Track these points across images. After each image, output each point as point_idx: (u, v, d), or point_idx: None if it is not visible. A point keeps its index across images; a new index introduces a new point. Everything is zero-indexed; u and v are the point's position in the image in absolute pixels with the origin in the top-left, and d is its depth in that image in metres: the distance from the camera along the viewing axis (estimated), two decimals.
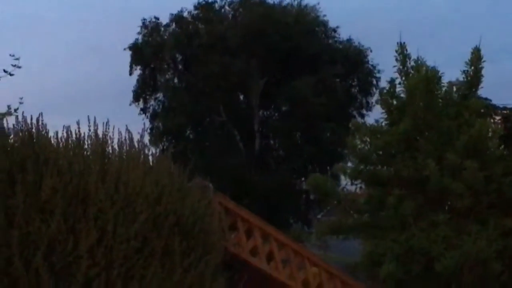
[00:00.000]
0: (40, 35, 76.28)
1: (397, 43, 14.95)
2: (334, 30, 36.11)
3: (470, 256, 12.81)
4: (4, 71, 7.63)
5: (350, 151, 15.16)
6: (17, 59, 7.70)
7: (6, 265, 7.18)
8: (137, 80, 36.29)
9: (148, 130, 34.65)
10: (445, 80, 14.79)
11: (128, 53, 35.45)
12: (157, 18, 35.74)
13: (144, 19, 35.65)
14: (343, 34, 36.25)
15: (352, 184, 15.91)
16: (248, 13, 33.49)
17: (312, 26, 34.99)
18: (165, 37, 35.18)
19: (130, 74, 35.65)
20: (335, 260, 19.57)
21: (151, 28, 35.67)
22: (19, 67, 7.71)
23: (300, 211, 35.53)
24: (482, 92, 14.95)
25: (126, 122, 9.03)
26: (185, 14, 35.38)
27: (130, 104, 36.27)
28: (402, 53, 14.89)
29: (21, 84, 7.99)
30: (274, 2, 35.33)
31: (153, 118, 36.75)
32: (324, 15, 35.89)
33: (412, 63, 14.76)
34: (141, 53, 35.27)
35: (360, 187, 15.87)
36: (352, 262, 15.20)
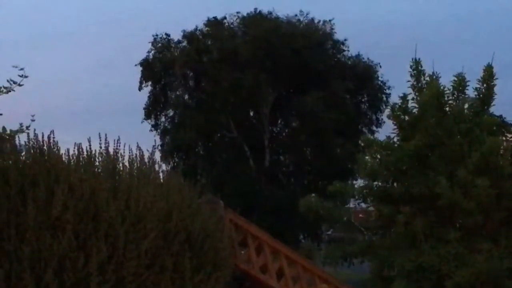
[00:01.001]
0: (52, 51, 76.96)
1: (412, 58, 14.92)
2: (343, 43, 36.14)
3: (482, 274, 12.71)
4: (14, 82, 7.65)
5: (360, 168, 15.10)
6: (22, 69, 7.70)
7: (17, 281, 7.19)
8: (148, 97, 36.46)
9: (159, 147, 34.68)
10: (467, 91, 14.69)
11: (139, 69, 35.64)
12: (168, 35, 35.93)
13: (156, 36, 35.84)
14: (351, 50, 36.32)
15: (355, 202, 15.88)
16: (257, 28, 33.58)
17: (321, 41, 35.03)
18: (176, 53, 35.30)
19: (140, 89, 35.82)
20: (345, 277, 19.47)
21: (161, 44, 35.82)
22: (26, 76, 7.72)
23: (309, 227, 35.40)
24: (495, 109, 14.88)
25: (137, 138, 9.09)
26: (196, 30, 35.51)
27: (142, 122, 36.43)
28: (417, 68, 14.85)
29: (33, 101, 8.00)
30: (281, 16, 35.45)
31: (163, 134, 36.83)
32: (333, 29, 35.98)
33: (427, 78, 14.71)
34: (151, 69, 35.42)
35: (359, 204, 15.85)
36: (362, 279, 15.14)
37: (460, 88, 14.38)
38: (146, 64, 35.52)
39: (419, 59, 14.94)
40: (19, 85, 7.72)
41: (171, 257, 8.02)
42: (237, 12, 35.71)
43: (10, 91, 7.75)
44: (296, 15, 36.02)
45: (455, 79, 14.31)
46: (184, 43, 35.67)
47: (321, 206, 15.06)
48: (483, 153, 13.43)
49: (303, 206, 15.54)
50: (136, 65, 35.48)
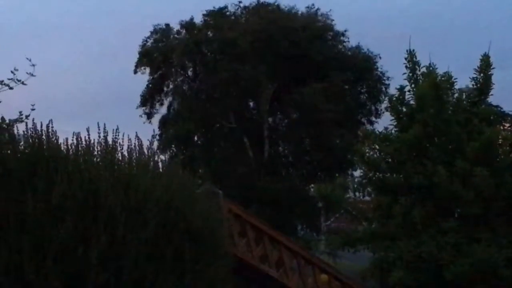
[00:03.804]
0: (53, 42, 76.89)
1: (407, 50, 14.92)
2: (343, 34, 36.01)
3: (480, 264, 12.75)
4: (18, 80, 7.62)
5: (359, 158, 15.14)
6: (33, 65, 7.65)
7: (17, 271, 7.20)
8: (147, 86, 36.36)
9: (157, 137, 34.65)
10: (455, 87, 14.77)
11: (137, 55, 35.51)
12: (167, 25, 35.80)
13: (157, 25, 35.74)
14: (351, 41, 36.20)
15: (356, 194, 15.99)
16: (258, 19, 33.49)
17: (321, 33, 34.94)
18: (175, 42, 35.19)
19: (135, 72, 35.55)
20: (344, 267, 19.53)
21: (161, 34, 35.72)
22: (34, 75, 7.67)
23: (308, 217, 35.46)
24: (493, 98, 14.91)
25: (136, 126, 9.08)
26: (196, 20, 35.45)
27: (137, 108, 36.26)
28: (412, 60, 14.86)
29: (33, 90, 7.95)
30: (284, 7, 35.34)
31: (162, 124, 36.77)
32: (333, 20, 35.87)
33: (423, 69, 14.74)
34: (150, 58, 35.33)
35: (366, 195, 15.94)
36: (362, 269, 15.18)
37: (448, 85, 14.44)
38: (145, 52, 35.40)
39: (413, 50, 14.97)
40: (23, 83, 7.68)
41: (170, 247, 8.02)
42: (239, 2, 35.65)
43: (12, 88, 7.72)
44: (295, 6, 35.93)
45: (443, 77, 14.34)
46: (184, 33, 35.56)
47: (332, 194, 15.21)
48: (482, 143, 13.45)
49: (316, 192, 15.78)
50: (139, 52, 35.37)
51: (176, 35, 35.74)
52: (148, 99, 36.48)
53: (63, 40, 78.63)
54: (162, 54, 34.99)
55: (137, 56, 35.59)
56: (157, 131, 35.25)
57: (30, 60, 7.61)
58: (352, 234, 15.41)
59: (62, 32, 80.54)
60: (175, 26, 35.88)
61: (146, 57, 35.31)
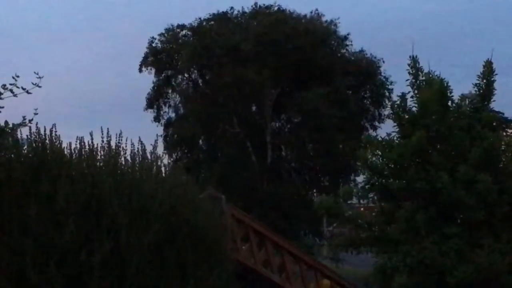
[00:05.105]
0: (60, 45, 77.11)
1: (410, 56, 14.93)
2: (346, 37, 35.98)
3: (483, 270, 12.73)
4: (23, 88, 7.62)
5: (362, 163, 15.12)
6: (40, 77, 7.67)
7: (20, 274, 7.21)
8: (152, 87, 36.42)
9: (161, 137, 34.85)
10: (457, 93, 14.76)
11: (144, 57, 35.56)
12: (177, 27, 35.75)
13: (166, 27, 35.77)
14: (355, 46, 36.18)
15: (359, 203, 15.97)
16: (260, 23, 33.51)
17: (324, 37, 34.90)
18: (181, 42, 35.18)
19: (140, 71, 35.59)
20: (347, 272, 19.52)
21: (168, 37, 35.71)
22: (39, 86, 7.66)
23: (311, 222, 35.43)
24: (496, 104, 14.90)
25: (140, 128, 9.11)
26: (201, 24, 35.43)
27: (144, 110, 36.38)
28: (415, 66, 14.87)
29: (37, 94, 7.93)
30: (286, 11, 35.35)
31: (167, 126, 36.83)
32: (336, 26, 35.87)
33: (423, 77, 14.75)
34: (157, 58, 35.36)
35: (368, 202, 15.93)
36: (364, 274, 15.16)
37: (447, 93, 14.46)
38: (152, 51, 35.40)
39: (416, 56, 14.97)
40: (28, 92, 7.67)
41: (173, 251, 8.04)
42: (242, 7, 35.72)
43: (16, 95, 7.72)
44: (300, 13, 35.94)
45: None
46: (190, 37, 35.54)
47: (335, 206, 15.18)
48: (485, 149, 13.45)
49: (318, 205, 15.73)
50: (145, 52, 35.40)
51: (185, 32, 35.72)
52: (154, 102, 36.54)
53: (67, 43, 78.81)
54: (169, 55, 35.06)
55: (143, 55, 35.67)
56: (161, 133, 35.53)
57: (37, 73, 7.63)
58: (356, 238, 15.40)
59: (67, 35, 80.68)
60: (183, 29, 35.93)
61: (153, 56, 35.36)
